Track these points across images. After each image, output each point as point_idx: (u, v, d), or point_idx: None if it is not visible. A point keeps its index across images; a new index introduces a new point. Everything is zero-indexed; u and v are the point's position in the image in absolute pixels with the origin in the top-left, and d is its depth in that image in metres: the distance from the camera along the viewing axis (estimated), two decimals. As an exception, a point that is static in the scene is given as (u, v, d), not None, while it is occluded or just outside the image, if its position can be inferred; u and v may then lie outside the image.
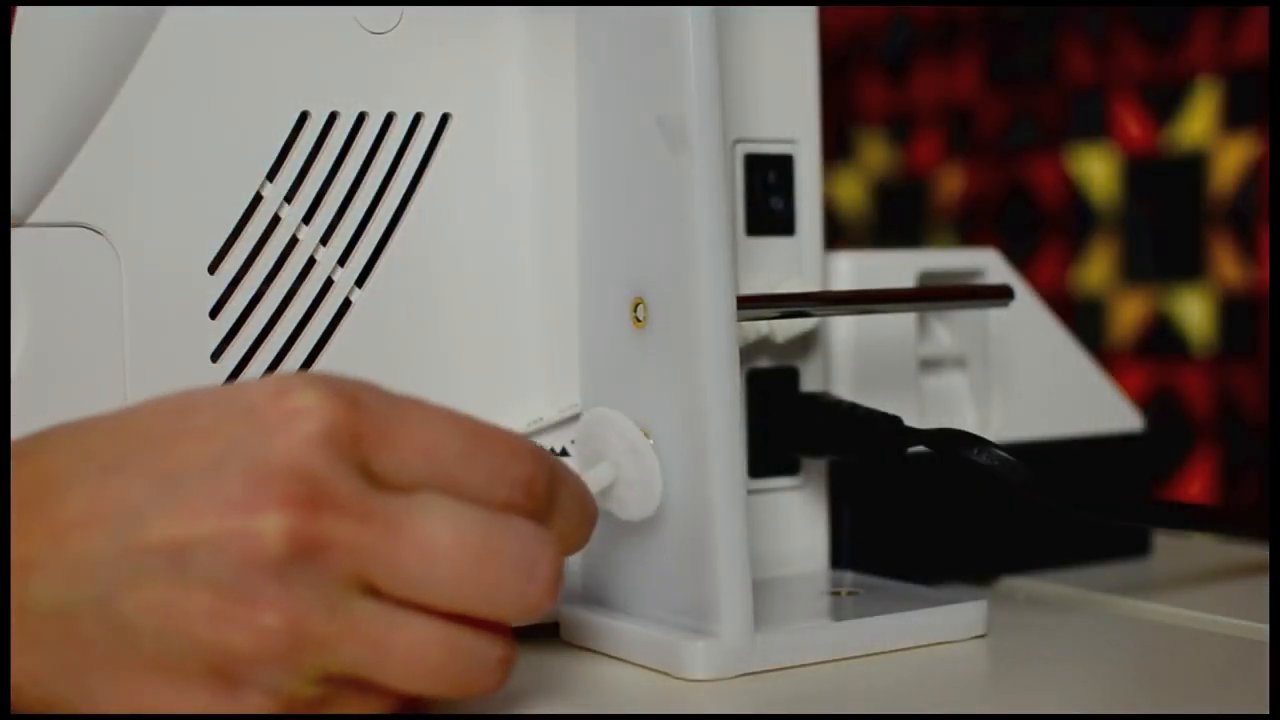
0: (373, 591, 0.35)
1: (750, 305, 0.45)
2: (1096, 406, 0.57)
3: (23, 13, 0.41)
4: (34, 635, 0.34)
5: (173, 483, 0.34)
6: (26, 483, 0.35)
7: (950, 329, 0.56)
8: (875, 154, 0.93)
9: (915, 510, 0.53)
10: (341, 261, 0.46)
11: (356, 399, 0.36)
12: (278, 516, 0.34)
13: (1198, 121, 0.74)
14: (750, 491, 0.42)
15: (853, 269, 0.52)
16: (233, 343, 0.45)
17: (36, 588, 0.34)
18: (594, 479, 0.42)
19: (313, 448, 0.35)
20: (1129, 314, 0.77)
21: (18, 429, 0.38)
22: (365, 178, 0.45)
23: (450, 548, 0.35)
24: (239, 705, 0.34)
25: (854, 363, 0.52)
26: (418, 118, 0.46)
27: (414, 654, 0.35)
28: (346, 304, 0.46)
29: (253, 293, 0.45)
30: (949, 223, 0.88)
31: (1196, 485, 0.74)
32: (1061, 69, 0.80)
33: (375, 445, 0.36)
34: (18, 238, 0.41)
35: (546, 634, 0.46)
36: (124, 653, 0.34)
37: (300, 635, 0.34)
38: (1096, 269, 0.79)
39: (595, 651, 0.44)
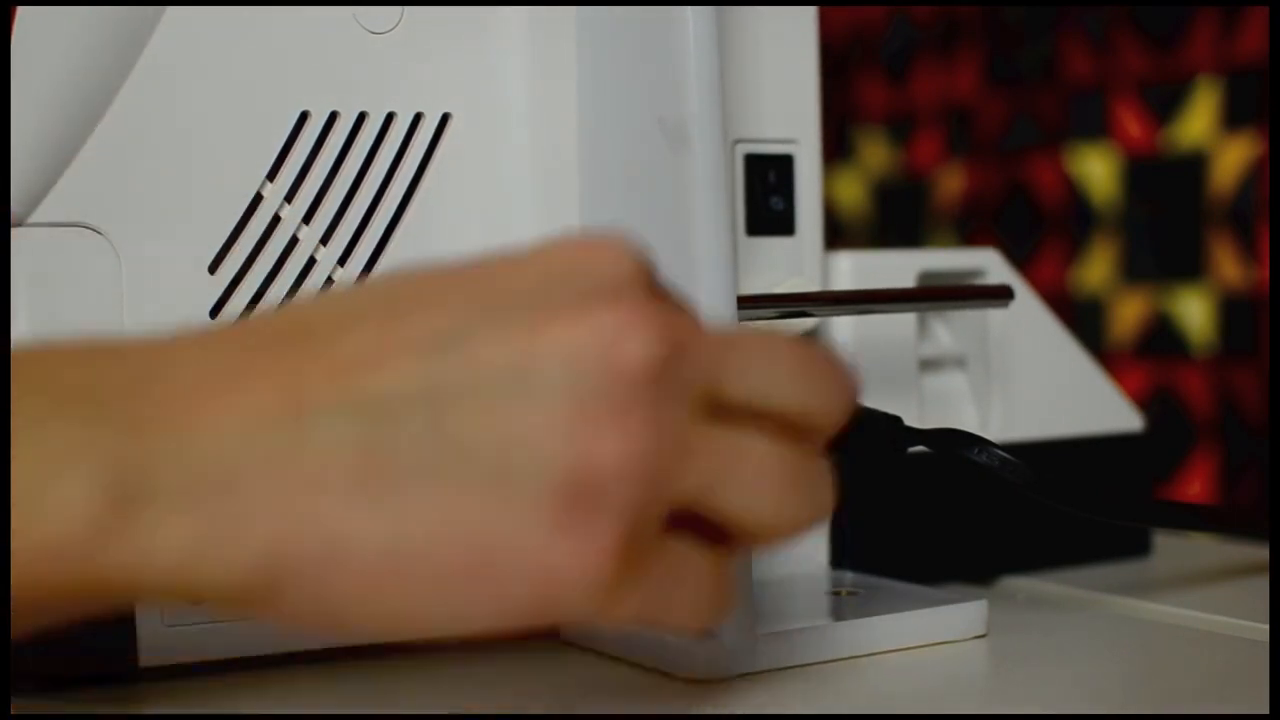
0: (717, 408, 0.33)
1: (750, 305, 0.45)
2: (1096, 406, 0.57)
3: (23, 12, 0.41)
4: (315, 477, 0.30)
5: (486, 310, 0.32)
6: (273, 330, 0.32)
7: (950, 329, 0.56)
8: (875, 154, 0.93)
9: (915, 510, 0.53)
10: (342, 262, 0.46)
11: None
12: (642, 325, 0.32)
13: (1198, 121, 0.74)
14: (750, 491, 0.43)
15: (853, 269, 0.52)
16: (233, 343, 0.44)
17: (320, 430, 0.30)
18: None
19: (635, 270, 0.33)
20: (1129, 314, 0.77)
21: (18, 429, 0.38)
22: (365, 178, 0.45)
23: (787, 344, 0.35)
24: (584, 533, 0.31)
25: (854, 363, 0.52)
26: (418, 117, 0.46)
27: (761, 468, 0.33)
28: (346, 304, 0.46)
29: (253, 293, 0.44)
30: (949, 223, 0.88)
31: (1196, 485, 0.74)
32: (1061, 69, 0.80)
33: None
34: (18, 237, 0.41)
35: (546, 634, 0.46)
36: (452, 470, 0.30)
37: (667, 446, 0.32)
38: (1096, 269, 0.79)
39: (595, 651, 0.44)
